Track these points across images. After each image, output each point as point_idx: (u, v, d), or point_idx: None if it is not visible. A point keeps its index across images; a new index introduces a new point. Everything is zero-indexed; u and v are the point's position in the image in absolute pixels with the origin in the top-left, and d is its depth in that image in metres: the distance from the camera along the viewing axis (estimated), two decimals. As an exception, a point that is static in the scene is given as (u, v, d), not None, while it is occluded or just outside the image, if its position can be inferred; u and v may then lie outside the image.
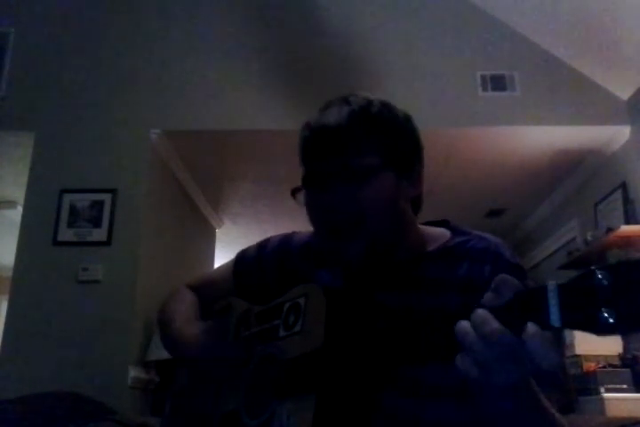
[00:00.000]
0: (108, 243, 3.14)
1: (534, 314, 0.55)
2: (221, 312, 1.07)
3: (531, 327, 0.55)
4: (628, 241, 3.13)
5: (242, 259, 1.12)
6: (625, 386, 2.85)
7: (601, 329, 0.49)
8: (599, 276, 0.49)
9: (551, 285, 0.53)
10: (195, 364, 1.05)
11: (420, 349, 0.70)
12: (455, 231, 0.98)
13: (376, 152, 0.90)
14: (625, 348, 3.13)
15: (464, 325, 0.60)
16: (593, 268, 0.50)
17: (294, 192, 0.93)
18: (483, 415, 0.74)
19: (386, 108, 0.94)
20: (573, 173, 3.91)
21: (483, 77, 3.44)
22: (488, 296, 0.60)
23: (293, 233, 1.10)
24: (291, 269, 1.03)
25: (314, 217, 0.93)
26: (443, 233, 0.98)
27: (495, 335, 0.57)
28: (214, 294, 1.13)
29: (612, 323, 0.48)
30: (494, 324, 0.57)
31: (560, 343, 0.55)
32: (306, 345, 0.81)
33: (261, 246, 1.11)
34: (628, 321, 0.47)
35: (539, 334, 0.54)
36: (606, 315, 0.48)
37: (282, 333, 0.88)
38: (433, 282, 0.89)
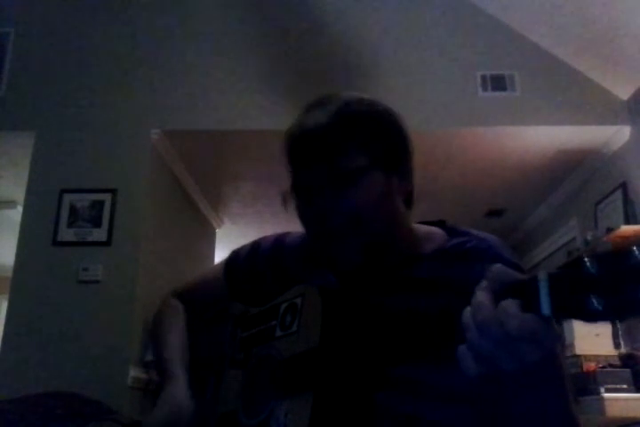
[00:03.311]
0: (108, 243, 3.13)
1: (526, 304, 0.55)
2: (219, 315, 1.07)
3: (509, 306, 0.55)
4: (627, 241, 3.13)
5: (234, 261, 1.11)
6: (625, 386, 2.85)
7: (590, 316, 0.49)
8: (588, 264, 0.50)
9: (542, 274, 0.54)
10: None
11: (416, 349, 0.70)
12: (452, 232, 0.96)
13: (361, 152, 0.88)
14: (616, 344, 3.14)
15: (466, 311, 0.60)
16: (582, 256, 0.50)
17: (285, 197, 0.93)
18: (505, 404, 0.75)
19: (365, 104, 0.92)
20: (573, 173, 3.90)
21: (483, 77, 3.44)
22: (483, 284, 0.60)
23: (286, 233, 1.09)
24: (284, 269, 1.02)
25: (307, 224, 0.92)
26: (439, 234, 0.96)
27: (488, 323, 0.57)
28: (206, 298, 1.12)
29: (600, 310, 0.48)
30: (486, 310, 0.57)
31: (550, 331, 0.55)
32: (302, 345, 0.81)
33: (254, 248, 1.10)
34: (616, 308, 0.48)
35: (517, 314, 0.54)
36: (595, 302, 0.48)
37: (278, 333, 0.88)
38: (429, 283, 0.88)
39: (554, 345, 0.60)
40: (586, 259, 0.50)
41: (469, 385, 0.73)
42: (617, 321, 0.50)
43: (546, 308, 0.53)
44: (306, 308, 0.85)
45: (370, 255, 0.89)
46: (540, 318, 0.54)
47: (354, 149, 0.88)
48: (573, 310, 0.51)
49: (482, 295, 0.59)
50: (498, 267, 0.61)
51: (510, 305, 0.56)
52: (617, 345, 3.14)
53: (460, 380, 0.67)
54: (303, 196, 0.91)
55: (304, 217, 0.92)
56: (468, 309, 0.60)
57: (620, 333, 3.17)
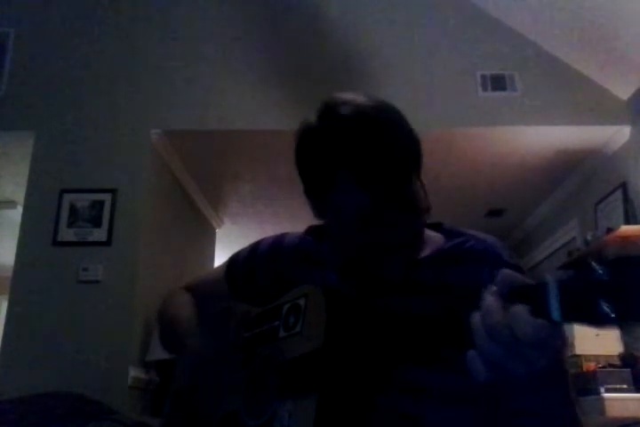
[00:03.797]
0: (107, 243, 3.13)
1: (535, 309, 0.55)
2: (221, 315, 1.07)
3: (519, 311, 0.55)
4: (627, 241, 3.13)
5: (234, 262, 1.11)
6: (625, 386, 2.84)
7: (601, 322, 0.49)
8: (599, 271, 0.50)
9: (552, 280, 0.54)
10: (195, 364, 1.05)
11: (420, 351, 0.70)
12: (449, 233, 0.96)
13: (413, 171, 0.85)
14: (625, 346, 3.13)
15: (475, 316, 0.59)
16: (592, 263, 0.50)
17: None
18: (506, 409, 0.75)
19: (398, 116, 0.87)
20: (573, 173, 3.90)
21: (483, 77, 3.44)
22: (491, 288, 0.60)
23: (285, 234, 1.09)
24: (284, 271, 1.02)
25: (352, 241, 0.86)
26: (436, 236, 0.96)
27: (497, 328, 0.56)
28: (210, 296, 1.13)
29: (611, 316, 0.48)
30: (496, 315, 0.57)
31: (559, 336, 0.55)
32: (306, 346, 0.81)
33: (253, 249, 1.09)
34: (627, 314, 0.48)
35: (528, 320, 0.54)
36: (606, 309, 0.49)
37: (282, 333, 0.88)
38: (431, 286, 0.88)
39: (562, 350, 0.59)
40: (596, 264, 0.50)
41: (472, 388, 0.73)
42: (627, 326, 0.50)
43: (556, 314, 0.53)
44: (309, 308, 0.85)
45: (410, 266, 0.90)
46: (549, 323, 0.54)
47: (410, 170, 0.84)
48: (584, 315, 0.51)
49: (491, 300, 0.59)
50: (506, 272, 0.61)
51: (520, 310, 0.55)
52: (626, 345, 3.15)
53: (463, 382, 0.67)
54: (356, 215, 0.83)
55: (351, 235, 0.86)
56: (478, 313, 0.59)
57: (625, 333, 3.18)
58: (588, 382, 2.91)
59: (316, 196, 0.89)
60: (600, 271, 0.50)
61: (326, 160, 0.82)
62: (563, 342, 0.56)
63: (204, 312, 1.12)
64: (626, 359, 3.03)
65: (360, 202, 0.81)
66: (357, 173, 0.80)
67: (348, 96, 0.85)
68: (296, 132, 0.89)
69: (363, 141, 0.80)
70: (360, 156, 0.80)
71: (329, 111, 0.84)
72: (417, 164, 0.86)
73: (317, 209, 0.91)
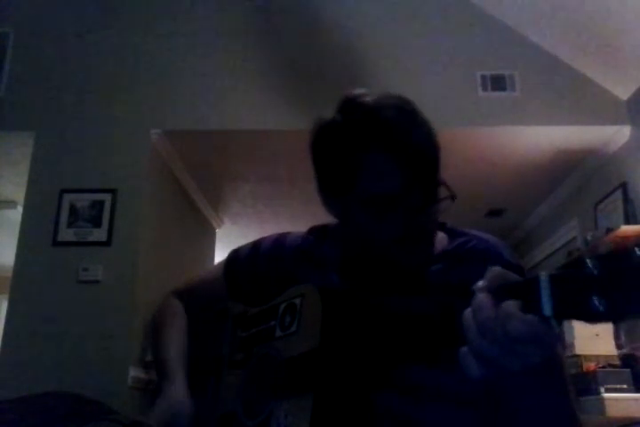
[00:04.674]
0: (107, 243, 3.13)
1: (526, 304, 0.55)
2: (218, 315, 1.07)
3: (510, 307, 0.55)
4: (627, 241, 3.13)
5: (234, 260, 1.10)
6: (625, 386, 2.84)
7: (591, 317, 0.49)
8: (589, 265, 0.50)
9: (543, 275, 0.54)
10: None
11: (417, 350, 0.70)
12: (452, 233, 0.96)
13: (439, 161, 0.86)
14: (618, 345, 3.14)
15: (467, 312, 0.59)
16: (583, 257, 0.50)
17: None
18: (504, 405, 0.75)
19: (406, 97, 0.91)
20: (573, 173, 3.90)
21: (483, 77, 3.44)
22: (481, 285, 0.60)
23: (287, 233, 1.09)
24: (285, 270, 1.02)
25: (375, 231, 0.85)
26: (440, 236, 0.96)
27: (488, 324, 0.56)
28: (206, 297, 1.12)
29: (602, 311, 0.48)
30: (487, 311, 0.57)
31: (550, 331, 0.56)
32: (302, 345, 0.81)
33: (255, 247, 1.09)
34: (618, 309, 0.48)
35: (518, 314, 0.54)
36: (597, 303, 0.48)
37: (278, 333, 0.88)
38: (434, 285, 0.88)
39: (555, 345, 0.59)
40: (587, 259, 0.50)
41: (470, 387, 0.72)
42: (618, 321, 0.50)
43: (547, 309, 0.53)
44: (305, 308, 0.85)
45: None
46: (541, 318, 0.53)
47: (438, 154, 0.86)
48: (575, 310, 0.51)
49: (482, 296, 0.59)
50: (497, 268, 0.61)
51: (511, 306, 0.55)
52: (619, 346, 3.14)
53: (461, 382, 0.67)
54: (386, 200, 0.83)
55: (375, 225, 0.85)
56: (469, 310, 0.59)
57: (621, 333, 3.17)
58: (588, 382, 2.91)
59: (337, 190, 0.88)
60: (590, 265, 0.49)
61: (356, 148, 0.83)
62: (555, 338, 0.56)
63: (200, 316, 1.12)
64: (626, 359, 3.03)
65: (392, 186, 0.82)
66: (390, 156, 0.82)
67: (363, 90, 0.87)
68: (313, 129, 0.90)
69: (393, 126, 0.82)
70: (392, 139, 0.81)
71: (351, 103, 0.86)
72: (440, 151, 0.87)
73: (335, 205, 0.91)
